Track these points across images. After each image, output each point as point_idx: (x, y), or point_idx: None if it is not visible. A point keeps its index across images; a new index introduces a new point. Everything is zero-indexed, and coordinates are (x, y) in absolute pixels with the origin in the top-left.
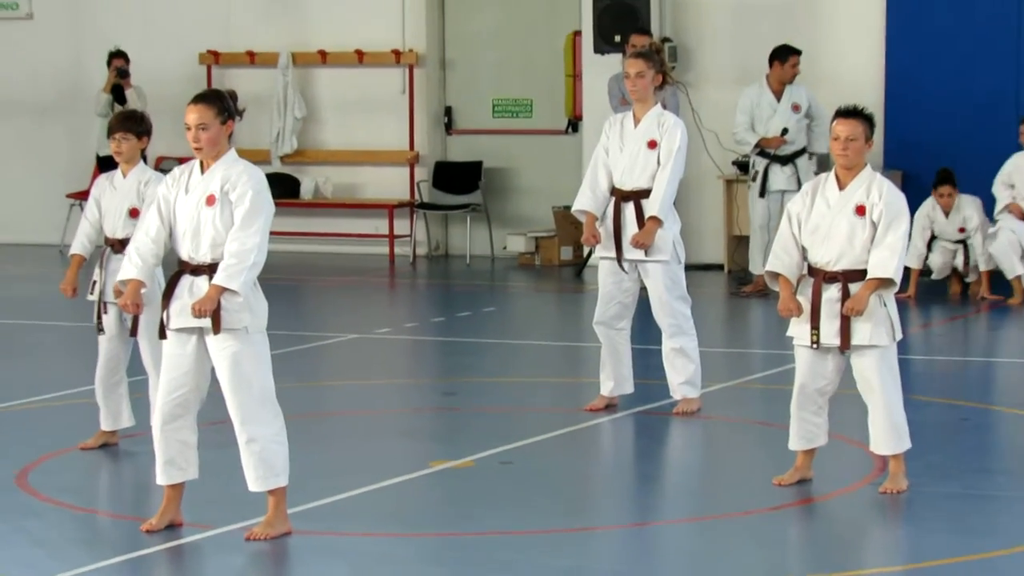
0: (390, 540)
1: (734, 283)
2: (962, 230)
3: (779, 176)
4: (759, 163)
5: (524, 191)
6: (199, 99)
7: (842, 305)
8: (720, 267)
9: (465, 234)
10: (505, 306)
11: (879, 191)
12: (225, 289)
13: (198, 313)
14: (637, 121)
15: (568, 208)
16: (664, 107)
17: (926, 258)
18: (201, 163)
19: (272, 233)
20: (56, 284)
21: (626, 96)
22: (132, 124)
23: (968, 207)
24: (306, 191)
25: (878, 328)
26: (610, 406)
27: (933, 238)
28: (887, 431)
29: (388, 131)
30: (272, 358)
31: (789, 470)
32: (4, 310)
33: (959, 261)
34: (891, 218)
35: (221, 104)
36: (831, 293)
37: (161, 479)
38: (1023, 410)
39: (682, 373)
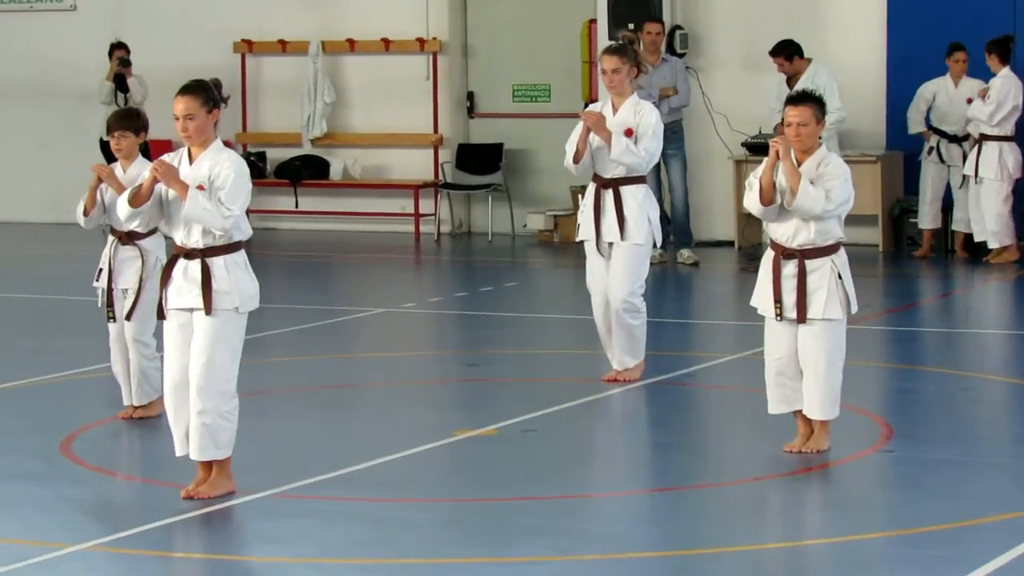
0: (414, 505)
1: (744, 258)
2: (970, 100)
3: None
4: None
5: (543, 171)
6: (185, 90)
7: (799, 280)
8: (731, 243)
9: (487, 213)
10: (525, 281)
11: (825, 165)
12: (196, 192)
13: (155, 171)
14: (615, 110)
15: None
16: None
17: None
18: (189, 152)
19: (303, 212)
20: (93, 264)
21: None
22: (130, 122)
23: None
24: (335, 172)
25: (832, 303)
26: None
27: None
28: (823, 398)
29: (413, 115)
30: (303, 331)
31: (796, 437)
32: (50, 286)
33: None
34: (830, 182)
35: (206, 94)
36: (789, 269)
37: (180, 451)
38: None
39: (625, 345)
